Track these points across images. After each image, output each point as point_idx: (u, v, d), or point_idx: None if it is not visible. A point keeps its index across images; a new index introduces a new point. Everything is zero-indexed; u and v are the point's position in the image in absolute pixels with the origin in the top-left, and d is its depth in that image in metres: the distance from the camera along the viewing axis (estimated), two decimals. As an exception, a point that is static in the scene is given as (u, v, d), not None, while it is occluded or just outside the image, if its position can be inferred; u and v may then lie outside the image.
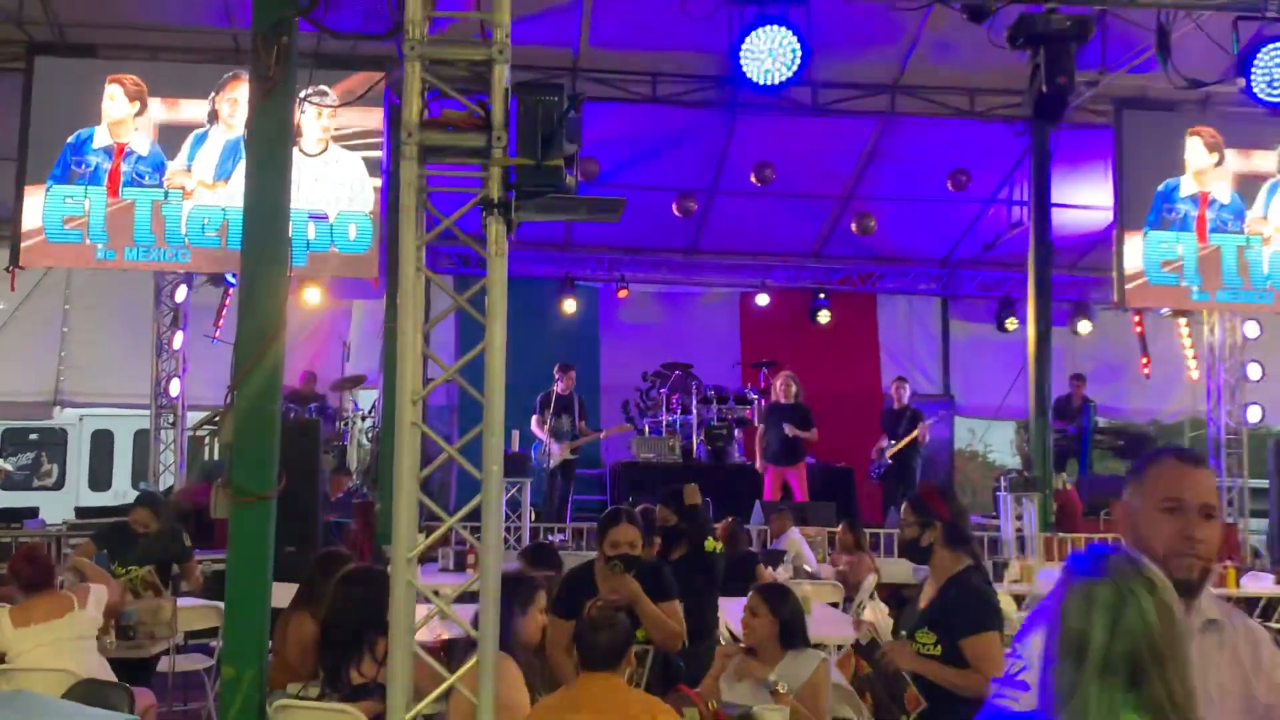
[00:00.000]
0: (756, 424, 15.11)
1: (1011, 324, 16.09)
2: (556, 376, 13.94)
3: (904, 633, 4.68)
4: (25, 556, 6.42)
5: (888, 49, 12.78)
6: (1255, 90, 11.22)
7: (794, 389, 14.19)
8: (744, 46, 10.93)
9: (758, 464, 14.53)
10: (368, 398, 15.54)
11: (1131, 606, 2.14)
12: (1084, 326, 16.10)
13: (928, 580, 4.73)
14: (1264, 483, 13.92)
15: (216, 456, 13.49)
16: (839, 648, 7.05)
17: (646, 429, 15.35)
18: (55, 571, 6.71)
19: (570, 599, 5.24)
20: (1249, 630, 2.59)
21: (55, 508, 15.11)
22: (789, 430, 13.98)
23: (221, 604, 6.00)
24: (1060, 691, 2.16)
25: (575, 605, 4.77)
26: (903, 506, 4.82)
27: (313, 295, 13.99)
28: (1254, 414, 14.85)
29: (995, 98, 13.07)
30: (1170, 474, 2.56)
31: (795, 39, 10.94)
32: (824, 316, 16.53)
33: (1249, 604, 10.76)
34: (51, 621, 5.98)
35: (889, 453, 14.48)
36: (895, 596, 8.74)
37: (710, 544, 7.30)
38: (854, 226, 15.63)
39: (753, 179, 14.51)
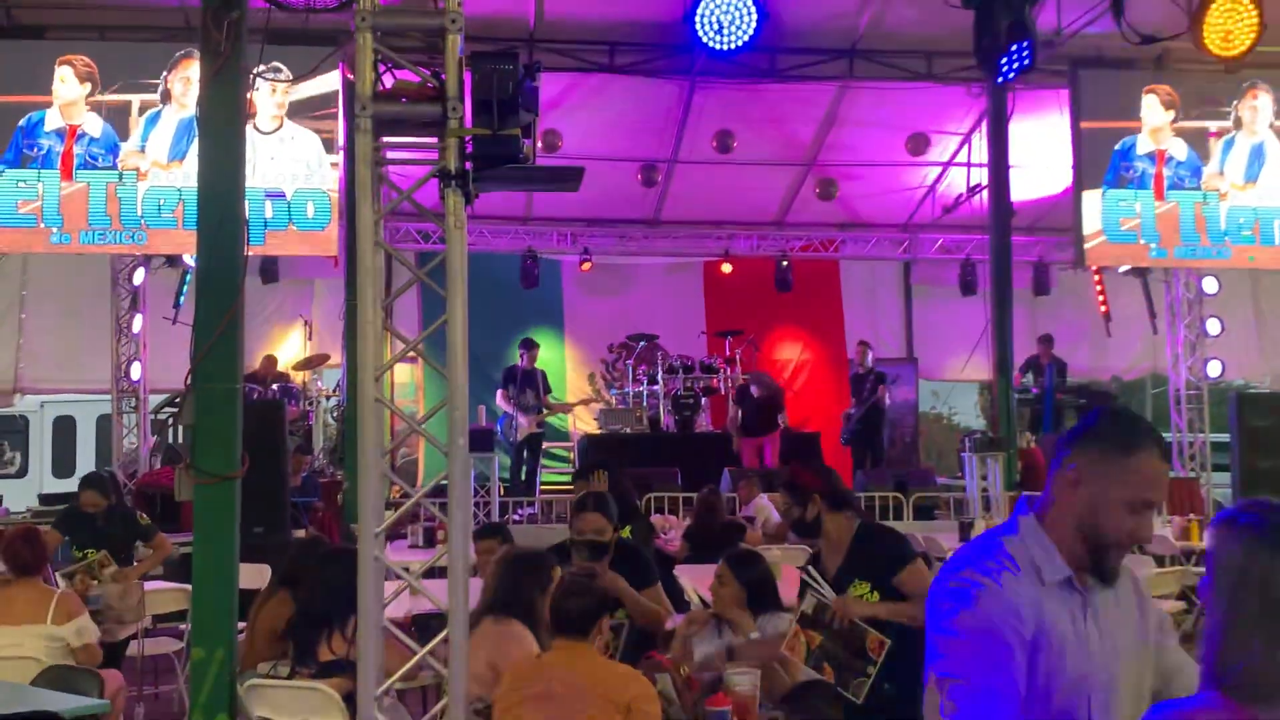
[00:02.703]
0: (725, 393, 15.18)
1: (972, 287, 16.17)
2: (520, 353, 13.92)
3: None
4: (22, 537, 6.27)
5: (845, 14, 12.76)
6: (1208, 45, 11.26)
7: (766, 379, 14.36)
8: (699, 11, 10.89)
9: (734, 438, 14.50)
10: (332, 377, 15.49)
11: None
12: (1043, 287, 16.18)
13: (823, 550, 4.80)
14: (1225, 436, 14.07)
15: (180, 439, 13.39)
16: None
17: (613, 400, 15.36)
18: (47, 558, 6.58)
19: None
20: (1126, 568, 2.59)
21: (19, 495, 14.99)
22: (754, 391, 14.05)
23: (189, 586, 5.96)
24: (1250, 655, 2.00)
25: None
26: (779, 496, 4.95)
27: (272, 274, 13.89)
28: (1214, 369, 15.02)
29: (952, 60, 13.07)
30: (1150, 472, 2.40)
31: (751, 3, 10.90)
32: (787, 284, 16.55)
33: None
34: (24, 626, 5.88)
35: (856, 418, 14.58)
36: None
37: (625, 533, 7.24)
38: (816, 193, 15.67)
39: (714, 147, 14.49)
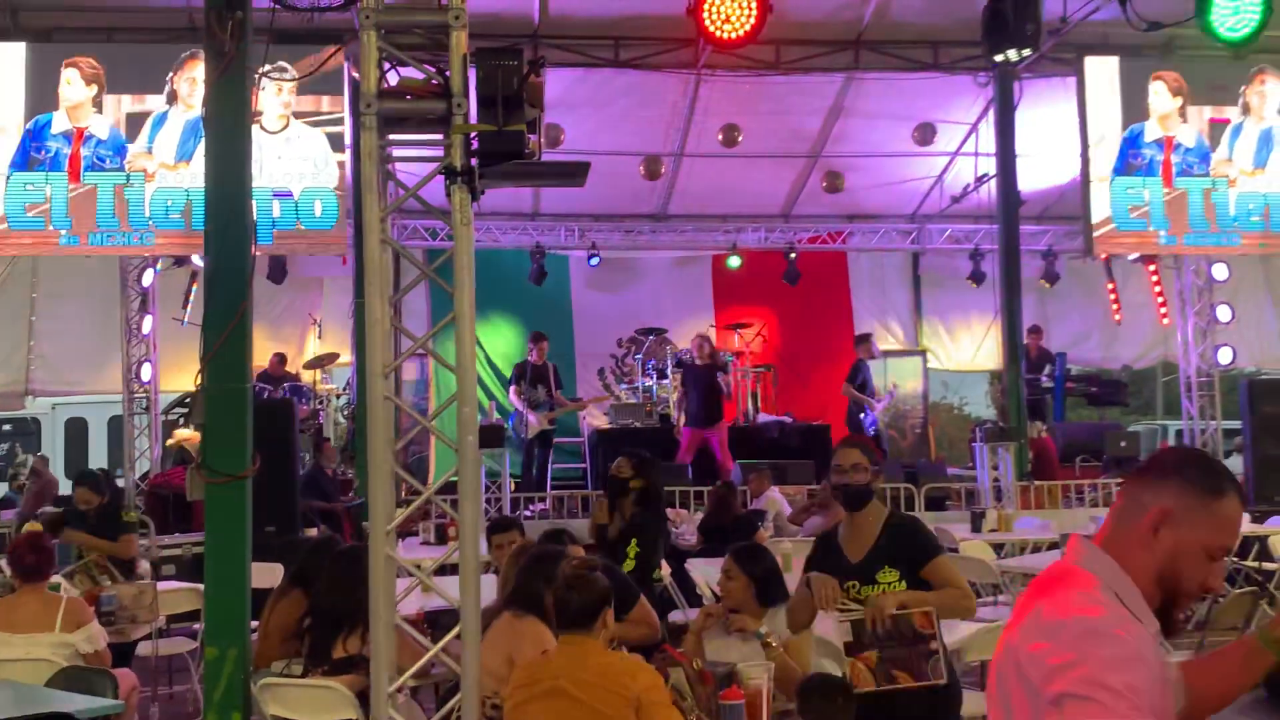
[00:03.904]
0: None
1: (980, 277, 16.14)
2: (530, 346, 13.91)
3: (851, 583, 4.64)
4: (29, 544, 6.28)
5: (850, 5, 12.73)
6: (1214, 30, 11.18)
7: (707, 349, 14.13)
8: (705, 4, 10.87)
9: (678, 426, 14.37)
10: (342, 375, 15.51)
11: None
12: (1053, 276, 16.13)
13: (845, 530, 4.73)
14: (1236, 424, 14.05)
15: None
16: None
17: (623, 395, 15.35)
18: (54, 563, 6.59)
19: None
20: None
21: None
22: (721, 379, 14.01)
23: (202, 586, 5.98)
24: None
25: None
26: (847, 453, 4.77)
27: (280, 273, 13.91)
28: (1225, 356, 14.95)
29: (958, 50, 13.03)
30: (1234, 518, 2.23)
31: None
32: (796, 276, 16.51)
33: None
34: (32, 635, 5.89)
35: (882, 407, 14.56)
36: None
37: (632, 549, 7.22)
38: (823, 185, 15.64)
39: (720, 140, 14.47)
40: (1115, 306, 15.98)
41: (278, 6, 5.94)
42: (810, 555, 4.85)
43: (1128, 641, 2.06)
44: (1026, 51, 9.81)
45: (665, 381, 14.92)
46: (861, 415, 14.31)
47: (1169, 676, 2.24)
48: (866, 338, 15.06)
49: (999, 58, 10.21)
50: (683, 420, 14.27)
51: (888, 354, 15.26)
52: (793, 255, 16.41)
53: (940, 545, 4.67)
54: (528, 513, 12.66)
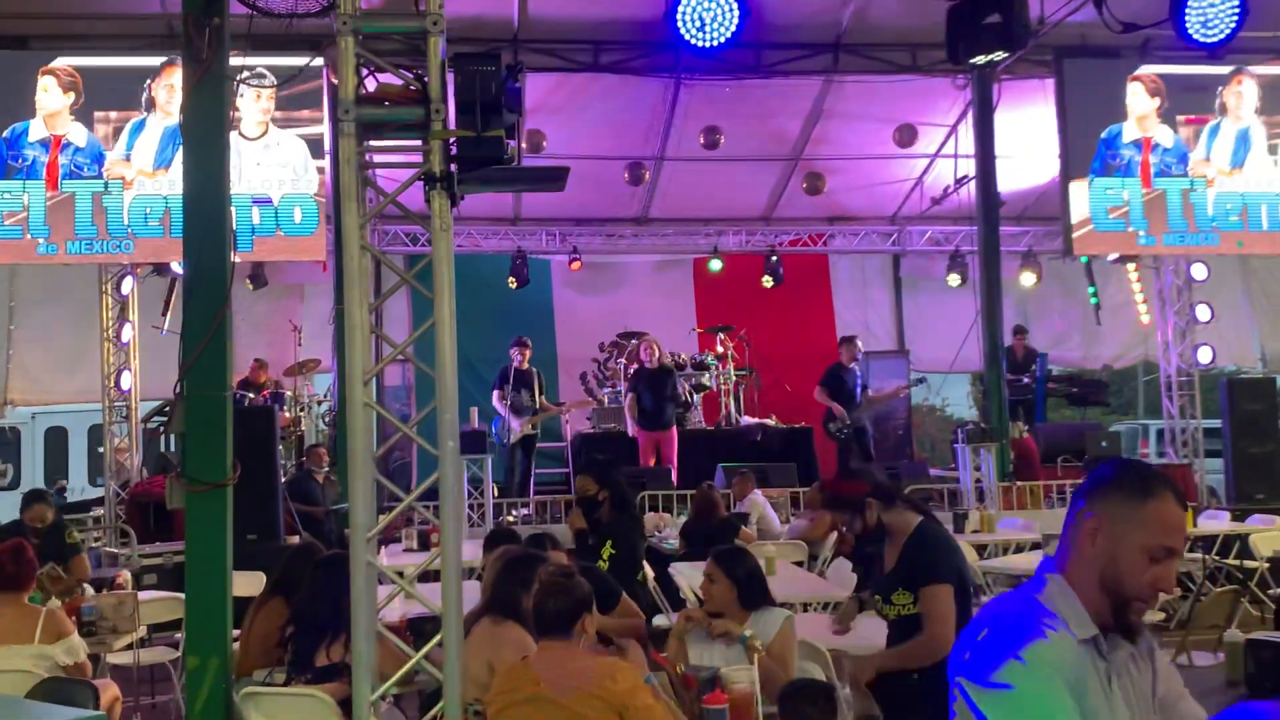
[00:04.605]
0: (716, 389, 15.14)
1: (953, 280, 16.17)
2: (512, 352, 13.89)
3: (877, 596, 4.68)
4: (11, 554, 6.21)
5: (829, 8, 12.76)
6: (1190, 32, 11.26)
7: (657, 353, 14.12)
8: (680, 9, 10.87)
9: (630, 429, 14.32)
10: (323, 382, 15.46)
11: None
12: (1027, 279, 16.15)
13: (887, 544, 4.72)
14: (1216, 422, 14.11)
15: (172, 448, 13.36)
16: (805, 606, 7.10)
17: (605, 400, 15.35)
18: (35, 575, 6.53)
19: None
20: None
21: (11, 507, 14.92)
22: (682, 387, 14.01)
23: (183, 595, 5.94)
24: None
25: None
26: (826, 516, 4.80)
27: (261, 280, 13.86)
28: (1205, 355, 15.04)
29: (937, 52, 13.04)
30: (1170, 519, 2.35)
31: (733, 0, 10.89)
32: (777, 279, 16.51)
33: (1206, 542, 10.93)
34: (12, 646, 5.84)
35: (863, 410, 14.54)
36: (858, 553, 8.78)
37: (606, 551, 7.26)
38: (804, 187, 15.66)
39: (701, 144, 14.49)
40: (1096, 311, 16.02)
41: (255, 13, 5.93)
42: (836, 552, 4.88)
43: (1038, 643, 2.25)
44: (1000, 55, 9.79)
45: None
46: (830, 423, 14.30)
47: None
48: (849, 340, 15.05)
49: (979, 60, 10.19)
50: (633, 424, 14.20)
51: (869, 355, 15.27)
52: (774, 258, 16.43)
53: (942, 573, 4.50)
54: (511, 518, 12.64)
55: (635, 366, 14.46)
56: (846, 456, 14.26)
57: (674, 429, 14.03)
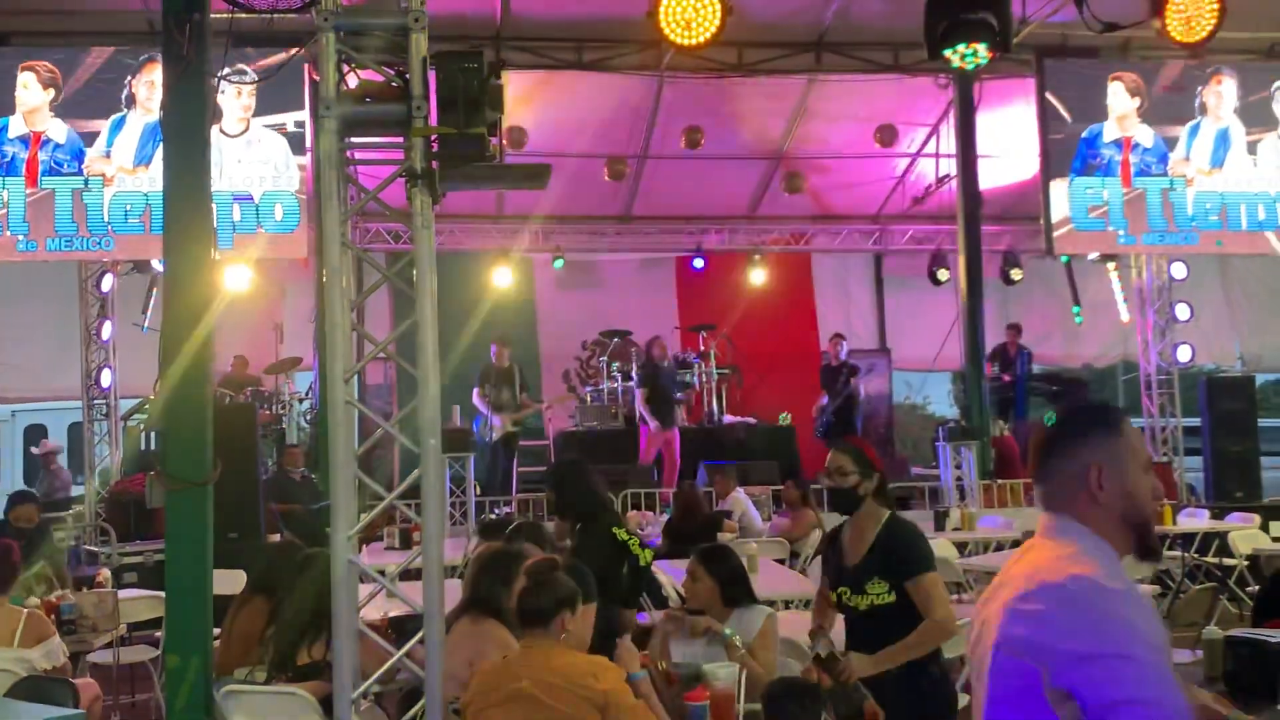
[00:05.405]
0: (699, 388, 15.14)
1: (943, 275, 16.21)
2: (493, 349, 13.85)
3: (844, 587, 4.65)
4: None
5: (811, 7, 12.78)
6: (1171, 31, 11.29)
7: (668, 352, 14.17)
8: (663, 7, 10.85)
9: (650, 425, 14.22)
10: (304, 380, 15.40)
11: None
12: (1015, 274, 16.21)
13: (849, 532, 4.71)
14: (1196, 421, 14.19)
15: (152, 445, 13.29)
16: (786, 604, 7.11)
17: (588, 397, 15.33)
18: (17, 577, 6.49)
19: None
20: None
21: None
22: (655, 354, 14.07)
23: (164, 593, 5.92)
24: None
25: None
26: (835, 456, 4.73)
27: (242, 278, 13.78)
28: (1184, 354, 15.10)
29: (919, 52, 13.05)
30: (1138, 433, 2.52)
31: (716, -1, 10.87)
32: (760, 278, 16.54)
33: (1185, 540, 10.99)
34: None
35: (830, 410, 14.58)
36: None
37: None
38: (785, 186, 15.69)
39: (683, 143, 14.49)
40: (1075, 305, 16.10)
41: (236, 9, 5.90)
42: (819, 549, 4.84)
43: (1126, 593, 2.24)
44: (982, 47, 9.78)
45: (631, 384, 14.88)
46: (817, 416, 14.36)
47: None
48: (836, 338, 15.14)
49: (955, 49, 10.16)
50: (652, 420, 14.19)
51: (852, 353, 15.30)
52: (757, 256, 16.46)
53: (929, 561, 4.52)
54: (494, 516, 12.62)
55: (644, 362, 14.38)
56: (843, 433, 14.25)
57: (677, 428, 14.08)
